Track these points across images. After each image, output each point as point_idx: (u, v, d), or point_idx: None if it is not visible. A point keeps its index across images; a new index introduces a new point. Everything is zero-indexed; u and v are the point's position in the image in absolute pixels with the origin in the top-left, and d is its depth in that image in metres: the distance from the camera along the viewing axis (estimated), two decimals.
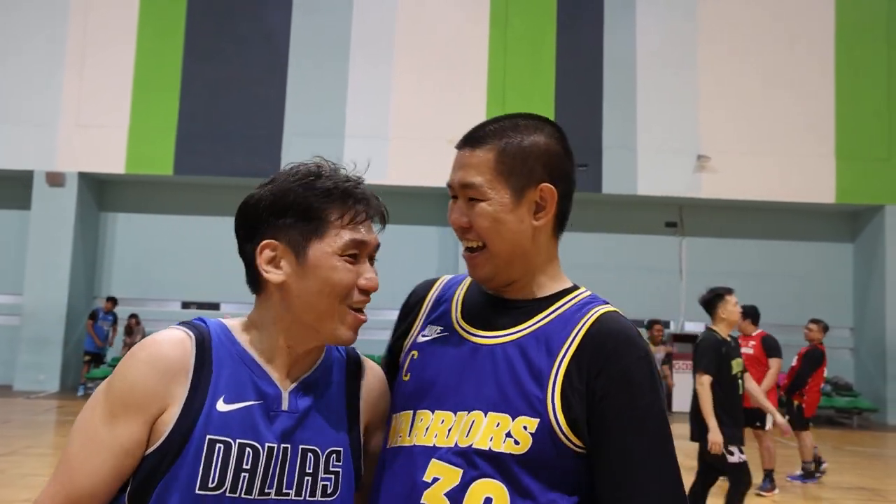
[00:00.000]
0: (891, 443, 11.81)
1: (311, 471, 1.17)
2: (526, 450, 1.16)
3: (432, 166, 14.14)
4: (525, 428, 1.17)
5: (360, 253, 1.19)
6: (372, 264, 1.23)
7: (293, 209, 1.17)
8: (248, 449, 1.12)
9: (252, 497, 1.11)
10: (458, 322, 1.31)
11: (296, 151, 13.99)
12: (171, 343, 1.14)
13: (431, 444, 1.21)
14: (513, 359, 1.21)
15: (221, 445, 1.11)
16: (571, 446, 1.17)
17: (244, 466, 1.11)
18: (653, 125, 13.95)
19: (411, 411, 1.25)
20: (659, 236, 14.63)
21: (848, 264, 14.72)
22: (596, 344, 1.19)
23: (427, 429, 1.22)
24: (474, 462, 1.17)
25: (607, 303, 1.27)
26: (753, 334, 7.18)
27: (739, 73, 13.87)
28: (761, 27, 14.05)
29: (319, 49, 14.32)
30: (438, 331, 1.32)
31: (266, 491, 1.13)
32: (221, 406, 1.12)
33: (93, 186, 14.80)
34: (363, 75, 14.22)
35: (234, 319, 1.24)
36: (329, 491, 1.18)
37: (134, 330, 14.02)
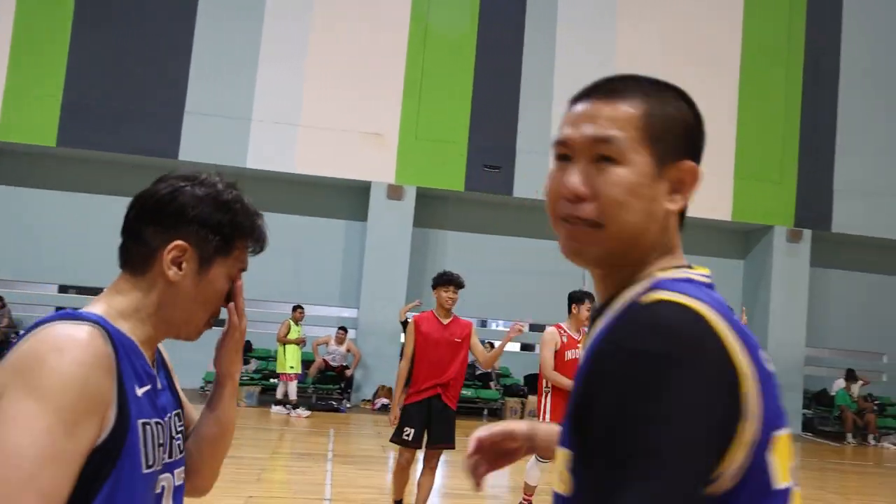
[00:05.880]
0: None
1: (177, 433, 1.29)
2: (571, 491, 0.90)
3: (343, 158, 13.76)
4: (564, 462, 0.93)
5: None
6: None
7: (219, 227, 1.24)
8: (158, 426, 1.21)
9: (161, 468, 1.21)
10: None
11: (197, 132, 13.19)
12: (100, 339, 1.11)
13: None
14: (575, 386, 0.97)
15: (149, 427, 1.17)
16: None
17: (159, 441, 1.20)
18: None
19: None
20: None
21: (738, 279, 15.47)
22: (604, 338, 0.91)
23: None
24: None
25: (665, 288, 0.91)
26: None
27: None
28: (674, 50, 14.49)
29: (229, 25, 13.54)
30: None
31: (166, 460, 1.23)
32: (138, 391, 1.17)
33: None
34: (275, 58, 13.56)
35: (97, 307, 1.20)
36: (182, 448, 1.31)
37: None
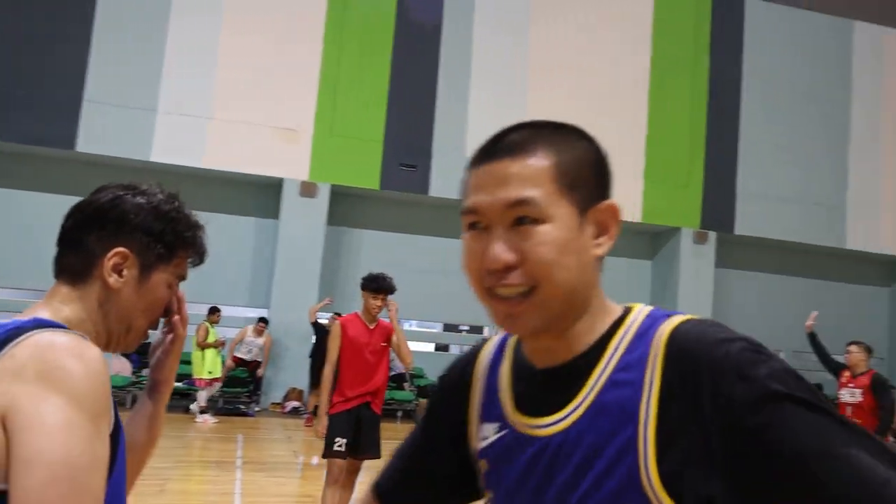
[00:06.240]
0: None
1: None
2: None
3: (255, 153, 13.32)
4: None
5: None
6: None
7: (161, 236, 1.25)
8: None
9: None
10: (512, 413, 1.00)
11: (97, 122, 12.48)
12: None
13: None
14: (584, 446, 0.89)
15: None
16: None
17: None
18: (483, 132, 14.06)
19: None
20: None
21: (646, 280, 15.90)
22: (686, 370, 0.84)
23: None
24: None
25: (674, 314, 0.93)
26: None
27: (566, 95, 14.44)
28: (587, 56, 14.74)
29: (133, 8, 12.86)
30: (495, 430, 1.01)
31: None
32: None
33: None
34: (185, 47, 12.98)
35: (44, 312, 1.18)
36: None
37: None
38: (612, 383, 0.90)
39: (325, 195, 13.49)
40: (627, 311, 0.96)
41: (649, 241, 15.98)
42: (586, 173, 0.93)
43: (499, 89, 14.28)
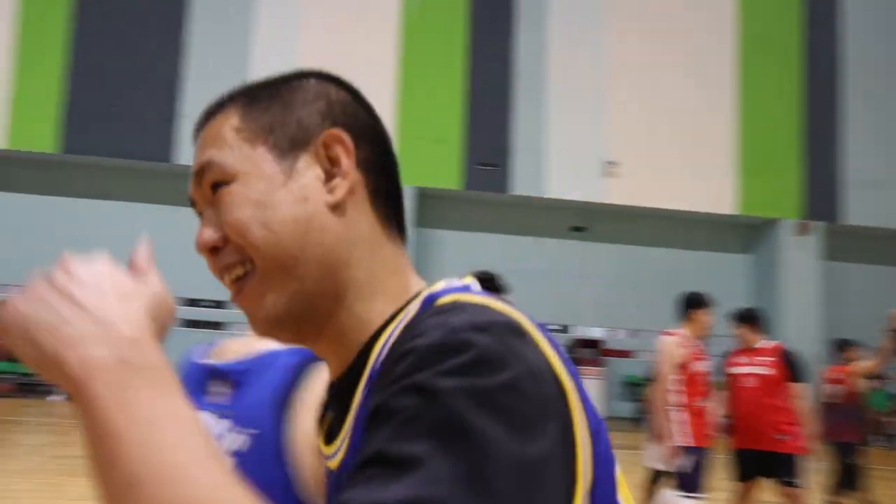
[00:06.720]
0: None
1: None
2: None
3: None
4: None
5: None
6: None
7: None
8: None
9: None
10: (316, 437, 0.82)
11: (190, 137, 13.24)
12: None
13: None
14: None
15: None
16: None
17: None
18: (562, 129, 13.89)
19: None
20: (564, 240, 14.60)
21: (745, 276, 15.07)
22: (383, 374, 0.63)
23: None
24: None
25: (447, 292, 0.66)
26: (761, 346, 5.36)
27: (650, 85, 13.97)
28: (665, 48, 14.21)
29: (220, 25, 13.58)
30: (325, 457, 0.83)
31: None
32: None
33: None
34: (268, 55, 13.57)
35: None
36: None
37: None
38: (367, 398, 0.68)
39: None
40: (417, 294, 0.71)
41: (746, 234, 15.15)
42: (296, 107, 0.73)
43: (578, 84, 14.02)
